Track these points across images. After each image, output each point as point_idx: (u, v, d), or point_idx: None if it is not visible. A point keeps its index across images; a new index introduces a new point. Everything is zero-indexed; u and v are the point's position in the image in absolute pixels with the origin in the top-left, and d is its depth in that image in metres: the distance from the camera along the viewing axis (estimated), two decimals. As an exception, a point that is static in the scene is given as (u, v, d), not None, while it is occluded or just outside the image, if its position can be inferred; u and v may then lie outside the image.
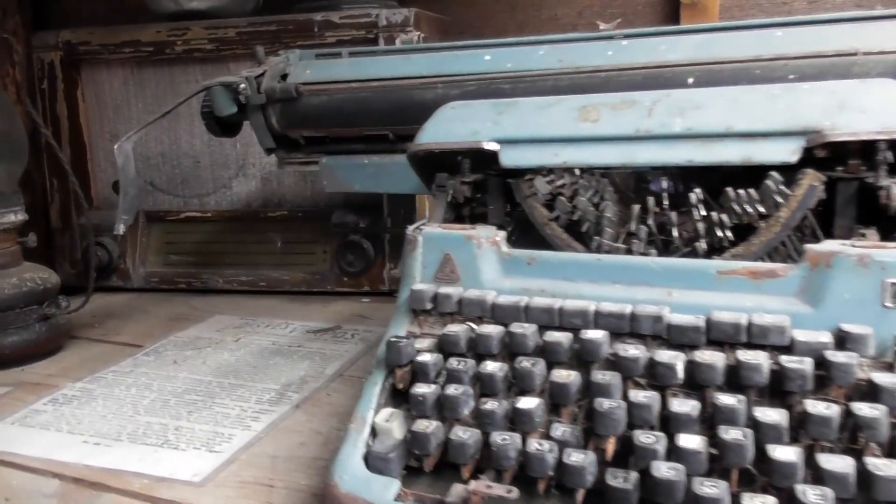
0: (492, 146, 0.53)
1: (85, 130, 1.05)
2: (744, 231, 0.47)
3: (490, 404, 0.43)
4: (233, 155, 1.02)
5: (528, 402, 0.43)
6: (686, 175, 0.51)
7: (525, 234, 0.53)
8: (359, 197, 0.99)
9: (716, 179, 0.49)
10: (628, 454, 0.40)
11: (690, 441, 0.39)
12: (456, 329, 0.47)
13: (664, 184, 0.52)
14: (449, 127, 0.56)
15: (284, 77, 0.73)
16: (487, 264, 0.50)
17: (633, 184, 0.54)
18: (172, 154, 1.04)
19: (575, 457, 0.39)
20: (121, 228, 0.62)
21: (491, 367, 0.45)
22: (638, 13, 1.07)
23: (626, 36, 0.64)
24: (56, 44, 1.01)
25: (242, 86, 0.69)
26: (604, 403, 0.41)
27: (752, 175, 0.47)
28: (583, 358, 0.44)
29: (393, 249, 0.95)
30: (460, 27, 1.11)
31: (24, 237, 0.80)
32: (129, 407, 0.66)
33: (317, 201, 1.01)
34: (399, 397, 0.48)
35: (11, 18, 1.37)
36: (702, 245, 0.48)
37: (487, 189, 0.57)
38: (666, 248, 0.50)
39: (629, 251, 0.49)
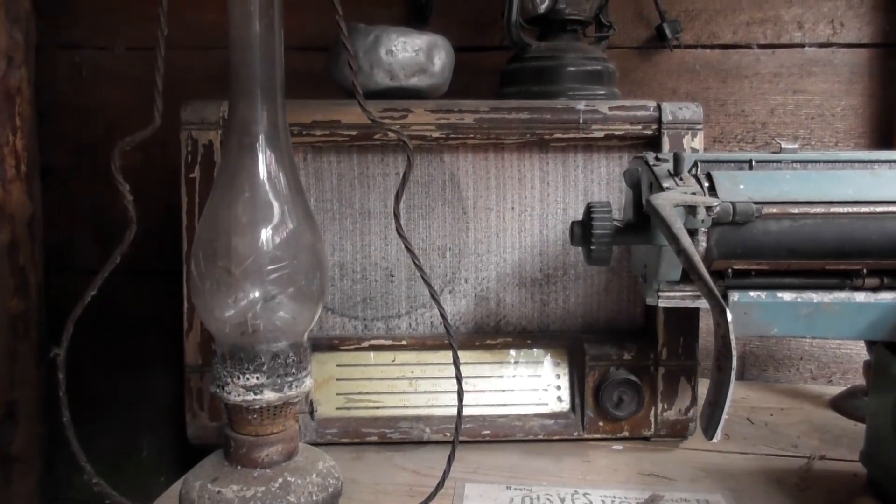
0: None
1: (232, 233, 0.78)
2: None
3: None
4: (440, 267, 0.81)
5: None
6: None
7: None
8: (601, 320, 0.82)
9: None
10: None
11: None
12: None
13: None
14: None
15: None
16: None
17: None
18: (356, 265, 0.81)
19: None
20: (718, 435, 0.41)
21: None
22: (837, 116, 1.02)
23: None
24: (218, 120, 0.75)
25: (718, 208, 0.51)
26: None
27: None
28: None
29: (667, 387, 0.78)
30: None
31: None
32: None
33: (547, 324, 0.82)
34: None
35: (15, 70, 1.05)
36: None
37: None
38: None
39: None
